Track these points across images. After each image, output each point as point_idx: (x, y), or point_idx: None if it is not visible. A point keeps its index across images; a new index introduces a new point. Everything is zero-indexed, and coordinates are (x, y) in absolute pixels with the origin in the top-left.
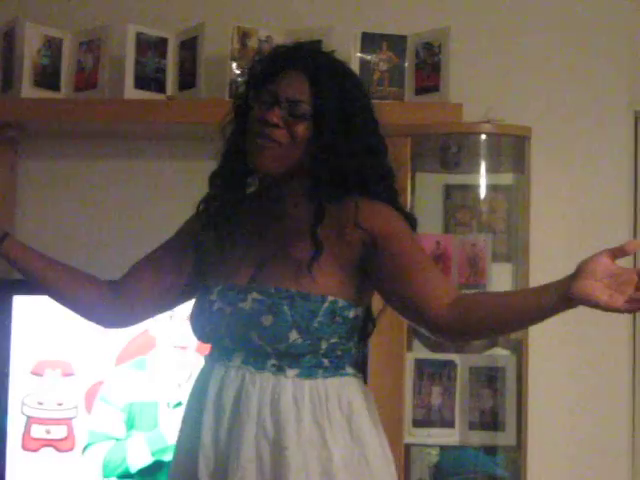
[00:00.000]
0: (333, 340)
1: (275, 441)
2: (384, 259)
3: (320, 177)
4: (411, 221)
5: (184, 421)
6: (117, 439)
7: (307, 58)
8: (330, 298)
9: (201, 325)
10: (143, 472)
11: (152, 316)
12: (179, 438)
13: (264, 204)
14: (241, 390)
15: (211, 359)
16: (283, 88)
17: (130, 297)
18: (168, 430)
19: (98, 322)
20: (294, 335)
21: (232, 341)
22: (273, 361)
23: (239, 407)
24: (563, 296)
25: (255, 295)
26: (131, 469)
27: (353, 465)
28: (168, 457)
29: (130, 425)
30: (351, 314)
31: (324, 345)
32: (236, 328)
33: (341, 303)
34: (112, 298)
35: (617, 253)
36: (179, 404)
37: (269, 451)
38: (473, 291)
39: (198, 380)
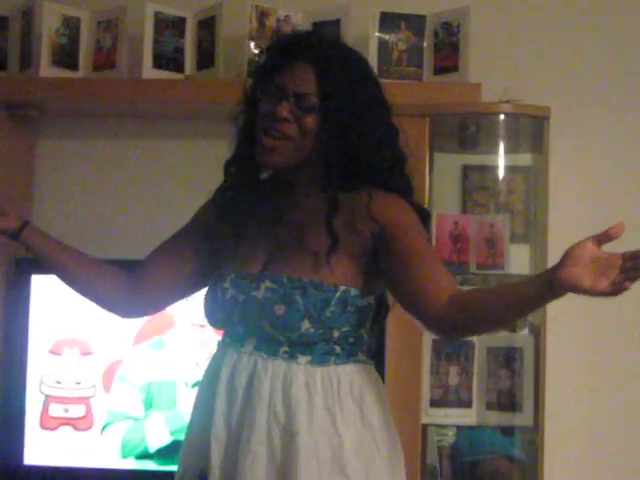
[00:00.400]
0: (345, 329)
1: (286, 426)
2: (391, 251)
3: (331, 167)
4: (423, 214)
5: (196, 404)
6: (135, 419)
7: (313, 49)
8: (342, 288)
9: (214, 312)
10: (162, 452)
11: (169, 305)
12: (191, 421)
13: (278, 194)
14: (253, 375)
15: (223, 344)
16: (290, 81)
17: (147, 287)
18: (186, 409)
19: (116, 312)
20: (306, 325)
21: (244, 329)
22: (285, 348)
23: (251, 392)
24: (550, 284)
25: (268, 284)
26: (150, 449)
27: (364, 451)
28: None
29: (148, 405)
30: (363, 303)
31: (336, 334)
32: (249, 316)
33: (353, 292)
34: (130, 288)
35: (602, 238)
36: (197, 383)
37: (280, 436)
38: (492, 272)
39: (210, 365)
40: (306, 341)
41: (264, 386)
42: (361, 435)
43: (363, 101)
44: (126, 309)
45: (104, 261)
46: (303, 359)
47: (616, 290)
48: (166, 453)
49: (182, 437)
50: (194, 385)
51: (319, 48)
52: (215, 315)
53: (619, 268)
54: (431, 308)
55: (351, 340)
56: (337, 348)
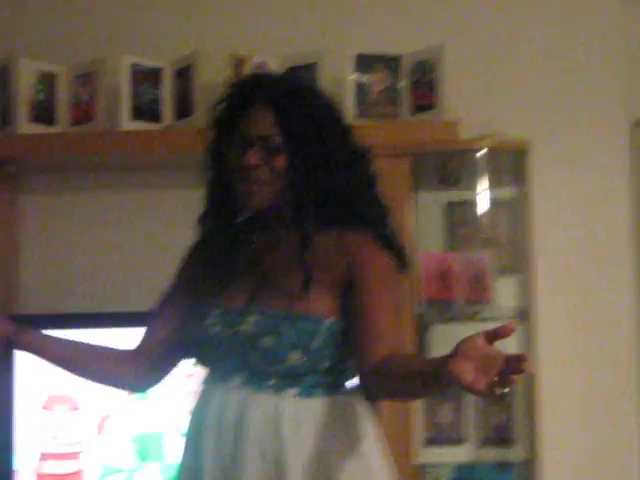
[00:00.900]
0: (333, 360)
1: (277, 460)
2: (352, 291)
3: (302, 203)
4: (397, 252)
5: (185, 447)
6: (129, 471)
7: (268, 90)
8: (330, 319)
9: (200, 350)
10: None
11: (171, 371)
12: (181, 464)
13: (255, 235)
14: (242, 411)
15: (212, 381)
16: (252, 127)
17: (148, 362)
18: (176, 460)
19: (123, 389)
20: (295, 355)
21: (232, 363)
22: (273, 381)
23: (240, 428)
24: (443, 372)
25: (254, 318)
26: None
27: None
28: None
29: (142, 456)
30: (344, 338)
31: (326, 364)
32: (236, 350)
33: (340, 325)
34: (131, 360)
35: (492, 336)
36: None
37: (273, 470)
38: (479, 307)
39: (197, 405)
40: (295, 373)
41: (253, 420)
42: (355, 465)
43: (326, 131)
44: (131, 385)
45: (102, 346)
46: (291, 391)
47: (492, 392)
48: None
49: None
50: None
51: (273, 88)
52: (202, 353)
53: (498, 370)
54: (365, 362)
55: (337, 372)
56: (324, 380)
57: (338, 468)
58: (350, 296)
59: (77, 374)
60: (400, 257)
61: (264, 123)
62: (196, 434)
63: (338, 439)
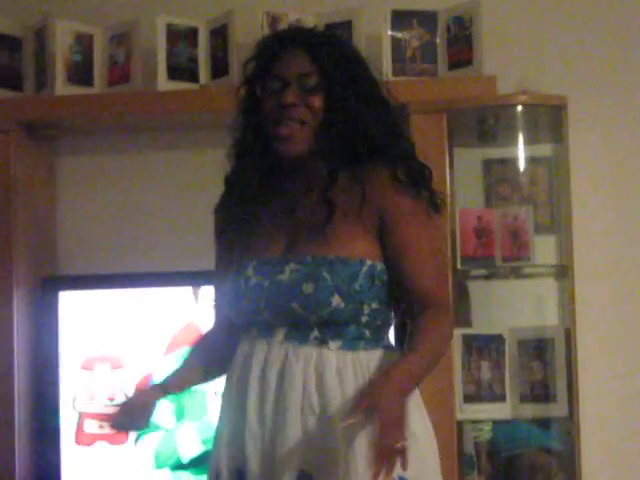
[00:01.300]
0: (374, 305)
1: (322, 413)
2: (385, 238)
3: (332, 138)
4: (433, 199)
5: (226, 402)
6: (167, 430)
7: (302, 35)
8: (368, 262)
9: (239, 303)
10: (195, 462)
11: None
12: (221, 418)
13: (290, 183)
14: (285, 365)
15: (250, 338)
16: (287, 67)
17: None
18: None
19: None
20: (337, 299)
21: (273, 315)
22: (315, 333)
23: (283, 382)
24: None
25: (292, 266)
26: (182, 459)
27: None
28: None
29: (179, 415)
30: (388, 278)
31: (366, 310)
32: (276, 300)
33: (379, 267)
34: (232, 338)
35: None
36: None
37: (316, 424)
38: (518, 264)
39: (237, 361)
40: (337, 319)
41: (296, 375)
42: None
43: (360, 74)
44: None
45: (209, 343)
46: (334, 344)
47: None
48: (199, 463)
49: None
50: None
51: (307, 34)
52: (240, 306)
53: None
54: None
55: (379, 323)
56: (367, 332)
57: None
58: (386, 239)
59: (216, 379)
60: (431, 195)
61: (301, 62)
62: (238, 392)
63: None
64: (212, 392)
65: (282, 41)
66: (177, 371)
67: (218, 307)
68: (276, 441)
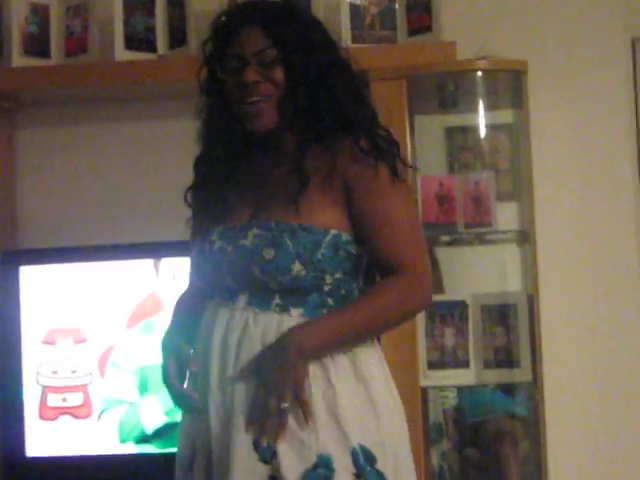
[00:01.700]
0: (337, 275)
1: (307, 412)
2: (351, 209)
3: (297, 109)
4: (394, 166)
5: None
6: (131, 403)
7: (255, 10)
8: (333, 231)
9: (202, 266)
10: (159, 433)
11: None
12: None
13: (259, 155)
14: (244, 332)
15: (214, 305)
16: (245, 45)
17: None
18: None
19: None
20: (297, 267)
21: (235, 280)
22: (277, 300)
23: (241, 348)
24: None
25: (256, 231)
26: (146, 430)
27: (358, 404)
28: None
29: (143, 389)
30: (355, 250)
31: (329, 280)
32: (238, 265)
33: (344, 237)
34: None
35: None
36: None
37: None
38: (481, 230)
39: (202, 329)
40: (298, 286)
41: (254, 341)
42: (354, 388)
43: (317, 42)
44: None
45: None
46: (295, 312)
47: None
48: (163, 434)
49: (177, 418)
50: None
51: (262, 8)
52: (205, 270)
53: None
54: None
55: (343, 292)
56: (329, 300)
57: (337, 390)
58: (352, 210)
59: None
60: (393, 163)
61: (256, 39)
62: (204, 358)
63: (340, 362)
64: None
65: (237, 18)
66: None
67: (189, 276)
68: (233, 407)
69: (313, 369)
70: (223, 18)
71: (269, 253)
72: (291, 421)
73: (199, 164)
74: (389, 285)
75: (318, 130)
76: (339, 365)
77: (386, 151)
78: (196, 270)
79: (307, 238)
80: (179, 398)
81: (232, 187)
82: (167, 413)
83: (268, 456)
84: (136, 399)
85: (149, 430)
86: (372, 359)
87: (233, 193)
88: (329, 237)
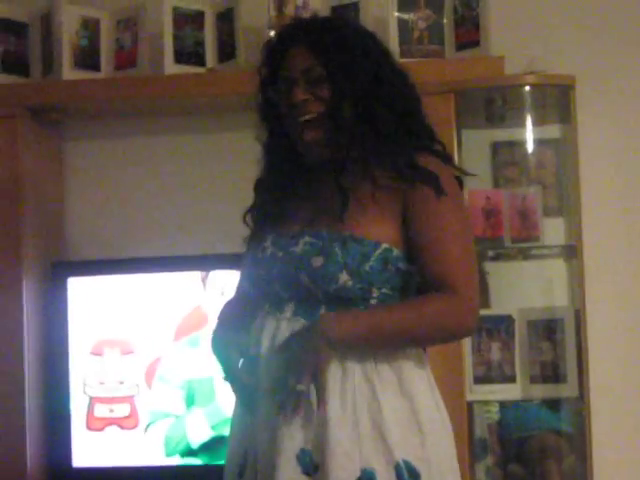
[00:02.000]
0: (385, 290)
1: (323, 399)
2: (408, 226)
3: (343, 124)
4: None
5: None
6: (177, 416)
7: (300, 30)
8: (384, 245)
9: (254, 271)
10: (205, 447)
11: None
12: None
13: (315, 172)
14: None
15: (263, 313)
16: (291, 66)
17: None
18: (226, 403)
19: None
20: (344, 277)
21: (283, 287)
22: (323, 311)
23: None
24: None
25: (307, 239)
26: (192, 445)
27: (403, 419)
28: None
29: (190, 402)
30: (405, 267)
31: (375, 293)
32: (286, 271)
33: (395, 252)
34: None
35: None
36: None
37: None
38: (528, 245)
39: (251, 339)
40: (344, 296)
41: None
42: (400, 403)
43: (365, 55)
44: None
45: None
46: None
47: None
48: (209, 449)
49: (223, 432)
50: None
51: (306, 27)
52: (255, 275)
53: None
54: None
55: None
56: None
57: (382, 404)
58: (408, 225)
59: None
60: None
61: (302, 59)
62: (250, 367)
63: (385, 376)
64: (220, 377)
65: (284, 40)
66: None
67: (239, 284)
68: (279, 421)
69: (359, 382)
70: (273, 41)
71: (318, 261)
72: (335, 431)
73: (259, 187)
74: (432, 299)
75: (366, 142)
76: (385, 379)
77: (451, 162)
78: (247, 276)
79: (357, 249)
80: (244, 391)
81: (289, 199)
82: (213, 427)
83: (311, 469)
84: (182, 412)
85: (195, 444)
86: (419, 375)
87: (290, 204)
88: (379, 250)
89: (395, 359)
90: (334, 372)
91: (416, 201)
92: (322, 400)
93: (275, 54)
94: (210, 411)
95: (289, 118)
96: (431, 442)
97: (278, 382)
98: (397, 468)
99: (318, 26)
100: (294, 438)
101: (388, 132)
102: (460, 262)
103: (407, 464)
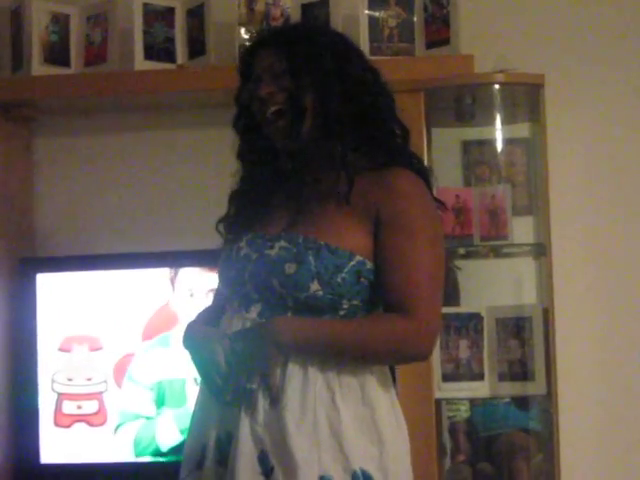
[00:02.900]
0: (355, 302)
1: (275, 398)
2: (378, 240)
3: (300, 115)
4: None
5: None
6: (147, 417)
7: (268, 35)
8: (358, 258)
9: (227, 270)
10: (174, 450)
11: None
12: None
13: (296, 170)
14: None
15: (231, 311)
16: (257, 65)
17: None
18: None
19: None
20: (315, 286)
21: (254, 288)
22: (290, 314)
23: None
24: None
25: (283, 243)
26: (162, 448)
27: (363, 427)
28: None
29: (160, 403)
30: (376, 281)
31: (345, 305)
32: (259, 274)
33: (368, 266)
34: None
35: None
36: None
37: (269, 405)
38: (497, 243)
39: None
40: (313, 305)
41: None
42: (361, 413)
43: (330, 52)
44: None
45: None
46: None
47: None
48: (178, 451)
49: None
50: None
51: (275, 32)
52: (228, 273)
53: None
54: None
55: (359, 317)
56: None
57: (342, 413)
58: (378, 240)
59: None
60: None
61: (268, 56)
62: None
63: (346, 384)
64: (191, 380)
65: (254, 45)
66: None
67: (216, 292)
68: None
69: (320, 389)
70: (245, 49)
71: (291, 267)
72: (294, 437)
73: (234, 198)
74: (391, 320)
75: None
76: (346, 387)
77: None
78: (220, 275)
79: (330, 260)
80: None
81: (267, 201)
82: (182, 431)
83: (269, 471)
84: (153, 414)
85: (164, 447)
86: (381, 384)
87: (268, 205)
88: (353, 262)
89: (361, 372)
90: (295, 377)
91: (394, 215)
92: (277, 397)
93: (247, 62)
94: (180, 414)
95: (259, 113)
96: (390, 452)
97: (228, 378)
98: (354, 476)
99: (287, 29)
100: (254, 439)
101: (339, 129)
102: (427, 289)
103: (364, 473)
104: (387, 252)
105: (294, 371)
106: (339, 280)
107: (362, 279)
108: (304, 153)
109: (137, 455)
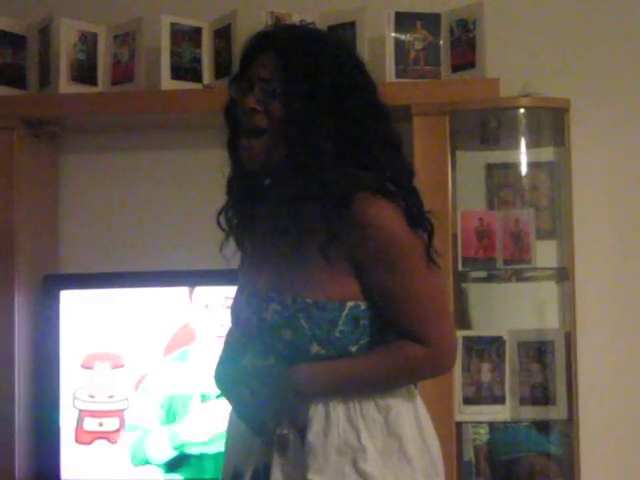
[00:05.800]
0: (362, 342)
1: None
2: (365, 282)
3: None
4: (416, 218)
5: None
6: (146, 430)
7: (276, 36)
8: (349, 304)
9: (235, 328)
10: (169, 465)
11: None
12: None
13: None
14: None
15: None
16: (255, 71)
17: None
18: (197, 422)
19: None
20: (315, 347)
21: (262, 345)
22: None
23: None
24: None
25: (274, 307)
26: (152, 461)
27: (392, 460)
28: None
29: (172, 418)
30: (376, 314)
31: (353, 348)
32: (264, 337)
33: (363, 307)
34: None
35: None
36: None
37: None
38: (518, 267)
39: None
40: (324, 358)
41: None
42: (387, 445)
43: (330, 83)
44: None
45: None
46: None
47: None
48: (173, 466)
49: (188, 451)
50: (219, 396)
51: (283, 35)
52: (237, 330)
53: None
54: None
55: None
56: None
57: (369, 451)
58: (365, 281)
59: None
60: (429, 237)
61: (266, 66)
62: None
63: (371, 421)
64: (197, 395)
65: (259, 42)
66: None
67: None
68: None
69: (343, 429)
70: (249, 40)
71: (287, 334)
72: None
73: (225, 212)
74: (407, 348)
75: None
76: (370, 421)
77: (419, 218)
78: (231, 318)
79: (322, 317)
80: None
81: (250, 236)
82: (176, 447)
83: None
84: (158, 427)
85: (155, 461)
86: (406, 408)
87: (257, 245)
88: (346, 311)
89: (382, 397)
90: (318, 415)
91: (362, 256)
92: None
93: (246, 57)
94: (180, 428)
95: (241, 118)
96: (423, 475)
97: (256, 421)
98: None
99: (295, 37)
100: (284, 476)
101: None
102: (432, 314)
103: None
104: (375, 293)
105: (317, 411)
106: (337, 334)
107: (361, 322)
108: (274, 183)
109: (134, 463)
